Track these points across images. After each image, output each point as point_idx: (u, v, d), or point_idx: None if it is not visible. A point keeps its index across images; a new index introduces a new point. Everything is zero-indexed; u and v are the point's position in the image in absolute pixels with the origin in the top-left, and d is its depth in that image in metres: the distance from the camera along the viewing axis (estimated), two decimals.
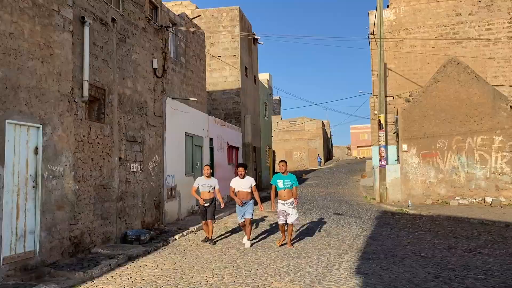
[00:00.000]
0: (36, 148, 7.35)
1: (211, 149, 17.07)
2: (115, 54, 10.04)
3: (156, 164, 12.09)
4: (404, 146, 17.92)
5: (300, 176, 35.73)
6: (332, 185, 27.33)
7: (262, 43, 26.88)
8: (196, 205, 10.30)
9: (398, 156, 19.43)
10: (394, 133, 21.57)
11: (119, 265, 7.77)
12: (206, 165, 10.47)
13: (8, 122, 6.67)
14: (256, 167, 25.43)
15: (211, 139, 17.00)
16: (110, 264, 7.58)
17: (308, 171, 41.31)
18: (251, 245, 9.44)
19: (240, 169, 9.64)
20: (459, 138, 17.36)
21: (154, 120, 12.05)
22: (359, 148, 75.38)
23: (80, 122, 8.56)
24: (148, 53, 11.88)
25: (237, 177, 9.70)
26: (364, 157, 58.09)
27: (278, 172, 9.57)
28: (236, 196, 9.57)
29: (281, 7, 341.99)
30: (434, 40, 21.94)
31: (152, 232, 10.18)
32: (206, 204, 9.84)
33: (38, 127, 7.37)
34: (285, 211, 9.23)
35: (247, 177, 9.72)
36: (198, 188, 10.12)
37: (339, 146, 71.14)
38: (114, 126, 9.88)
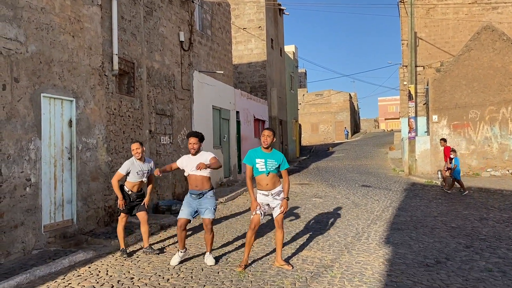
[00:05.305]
0: (70, 121, 7.56)
1: (238, 122, 17.15)
2: (142, 28, 10.10)
3: (185, 137, 12.26)
4: (435, 117, 17.53)
5: (327, 149, 35.57)
6: (359, 158, 27.11)
7: (287, 13, 26.46)
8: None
9: (428, 128, 19.04)
10: (424, 104, 21.07)
11: (152, 234, 8.03)
12: (136, 142, 6.72)
13: (43, 96, 6.87)
14: (282, 141, 25.46)
15: (237, 112, 17.05)
16: None
17: (334, 144, 41.03)
18: (217, 262, 6.13)
19: (191, 140, 6.10)
20: (492, 108, 16.84)
21: (182, 93, 12.15)
22: (387, 120, 74.09)
23: (111, 95, 8.72)
24: (174, 26, 11.89)
25: (188, 154, 6.28)
26: (392, 130, 57.16)
27: (257, 147, 5.90)
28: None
29: None
30: (468, 6, 21.03)
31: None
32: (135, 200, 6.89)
33: (71, 101, 7.57)
34: (268, 204, 5.83)
35: (203, 152, 6.24)
36: (126, 176, 6.67)
37: (367, 119, 70.09)
38: (144, 99, 10.03)
